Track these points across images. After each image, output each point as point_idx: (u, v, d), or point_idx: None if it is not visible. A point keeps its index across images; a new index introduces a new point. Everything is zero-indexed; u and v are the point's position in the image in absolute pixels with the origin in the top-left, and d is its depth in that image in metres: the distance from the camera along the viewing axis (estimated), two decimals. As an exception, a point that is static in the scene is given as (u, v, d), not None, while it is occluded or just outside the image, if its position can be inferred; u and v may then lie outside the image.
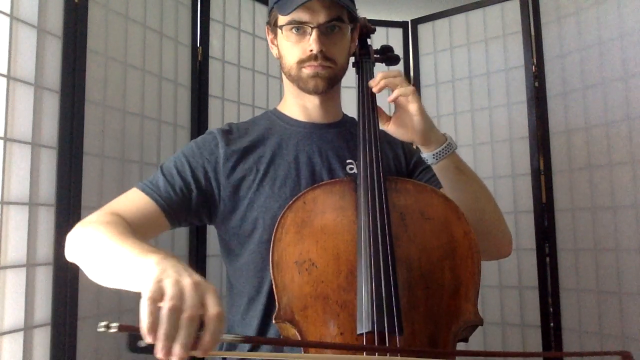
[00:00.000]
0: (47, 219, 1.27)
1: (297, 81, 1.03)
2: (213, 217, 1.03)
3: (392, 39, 2.30)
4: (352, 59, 1.12)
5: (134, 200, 0.96)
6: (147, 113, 1.62)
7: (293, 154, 1.04)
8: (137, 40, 1.60)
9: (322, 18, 0.97)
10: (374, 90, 0.98)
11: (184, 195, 0.98)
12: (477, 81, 2.18)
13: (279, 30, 1.02)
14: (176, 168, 1.00)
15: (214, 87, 1.86)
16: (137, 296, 0.61)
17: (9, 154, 1.20)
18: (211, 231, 1.14)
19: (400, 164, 1.13)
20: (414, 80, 2.29)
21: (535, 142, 2.01)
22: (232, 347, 1.01)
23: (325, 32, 0.99)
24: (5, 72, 1.20)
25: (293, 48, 1.01)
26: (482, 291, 0.91)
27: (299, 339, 0.80)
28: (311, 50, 0.98)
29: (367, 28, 1.16)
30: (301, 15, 0.97)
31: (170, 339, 0.57)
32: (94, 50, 1.43)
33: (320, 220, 0.89)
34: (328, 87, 1.03)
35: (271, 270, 0.85)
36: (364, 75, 1.08)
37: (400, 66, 1.92)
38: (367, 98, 1.02)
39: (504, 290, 2.06)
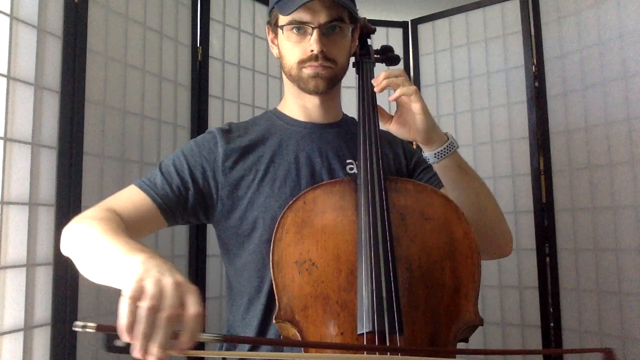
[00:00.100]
0: (47, 219, 1.27)
1: (298, 81, 1.03)
2: (210, 217, 1.03)
3: (392, 39, 2.30)
4: (352, 59, 1.12)
5: (130, 197, 0.97)
6: (147, 113, 1.62)
7: (293, 153, 1.04)
8: (137, 40, 1.60)
9: (323, 18, 0.97)
10: (376, 89, 0.98)
11: (180, 193, 0.98)
12: (477, 81, 2.18)
13: (279, 30, 1.02)
14: (174, 166, 1.00)
15: (214, 87, 1.86)
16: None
17: (9, 154, 1.20)
18: (211, 231, 1.14)
19: (401, 164, 1.13)
20: (414, 80, 2.29)
21: (535, 142, 2.02)
22: (232, 347, 1.01)
23: (326, 33, 0.99)
24: (5, 72, 1.20)
25: (294, 48, 1.00)
26: (482, 291, 0.91)
27: (299, 338, 0.80)
28: (312, 51, 0.98)
29: (367, 28, 1.16)
30: (302, 16, 0.97)
31: (147, 338, 0.57)
32: (94, 50, 1.43)
33: (320, 220, 0.88)
34: (328, 88, 1.03)
35: (271, 270, 0.85)
36: (364, 75, 1.08)
37: (400, 66, 1.91)
38: (367, 98, 1.02)
39: (504, 290, 2.06)
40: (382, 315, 0.76)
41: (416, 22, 2.32)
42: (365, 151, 0.95)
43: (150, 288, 0.59)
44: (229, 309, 1.07)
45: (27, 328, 1.21)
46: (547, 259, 1.98)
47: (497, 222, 1.03)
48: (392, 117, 1.00)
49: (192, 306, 0.60)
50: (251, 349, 0.98)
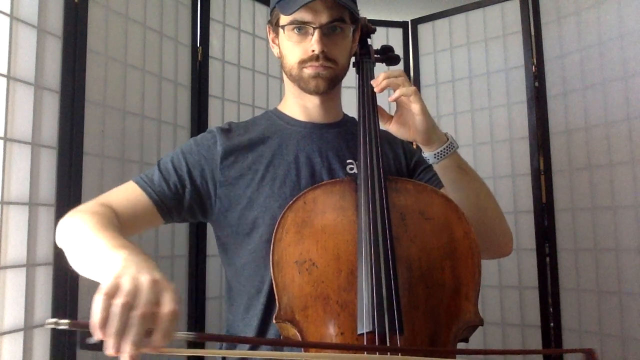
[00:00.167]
0: (47, 219, 1.27)
1: (298, 81, 1.03)
2: (208, 215, 1.03)
3: (392, 39, 2.30)
4: (352, 59, 1.12)
5: (127, 193, 0.97)
6: (147, 113, 1.62)
7: (293, 153, 1.04)
8: (137, 40, 1.60)
9: (324, 18, 0.97)
10: (376, 90, 0.98)
11: (177, 190, 0.98)
12: (477, 81, 2.18)
13: (280, 30, 1.02)
14: (172, 164, 1.00)
15: (214, 87, 1.86)
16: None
17: (9, 154, 1.20)
18: (211, 231, 1.14)
19: (401, 164, 1.13)
20: (414, 80, 2.29)
21: (535, 142, 2.01)
22: (232, 346, 1.01)
23: (327, 33, 0.99)
24: (5, 72, 1.20)
25: (294, 48, 1.00)
26: (482, 291, 0.91)
27: (299, 338, 0.80)
28: (313, 51, 0.98)
29: (367, 28, 1.16)
30: (303, 16, 0.97)
31: (120, 335, 0.56)
32: (94, 50, 1.43)
33: (320, 220, 0.89)
34: (329, 88, 1.03)
35: (271, 270, 0.85)
36: (365, 75, 1.08)
37: (400, 66, 1.92)
38: (367, 98, 1.02)
39: (504, 290, 2.06)
40: (382, 315, 0.76)
41: (416, 22, 2.32)
42: (365, 151, 0.95)
43: (125, 285, 0.59)
44: (228, 309, 1.07)
45: (27, 328, 1.21)
46: (547, 259, 1.98)
47: (497, 222, 1.03)
48: (392, 117, 1.00)
49: (167, 304, 0.59)
50: (251, 349, 0.98)
